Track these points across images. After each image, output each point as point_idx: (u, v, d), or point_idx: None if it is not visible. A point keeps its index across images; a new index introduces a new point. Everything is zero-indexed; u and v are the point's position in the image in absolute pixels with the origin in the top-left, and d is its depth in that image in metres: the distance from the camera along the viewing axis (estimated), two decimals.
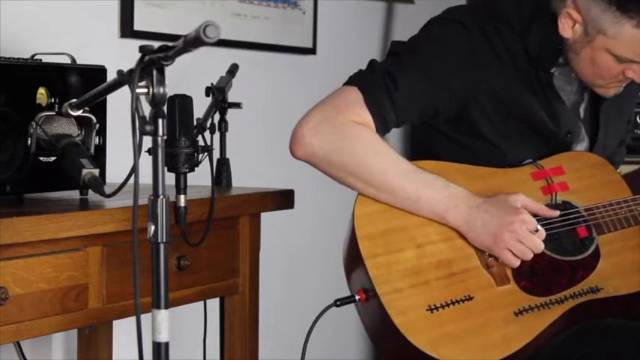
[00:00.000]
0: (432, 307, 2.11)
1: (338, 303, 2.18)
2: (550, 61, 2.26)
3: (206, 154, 2.15)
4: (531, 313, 2.14)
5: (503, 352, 2.09)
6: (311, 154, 2.20)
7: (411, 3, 3.95)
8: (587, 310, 2.18)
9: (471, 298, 2.13)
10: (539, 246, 2.14)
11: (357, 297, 2.15)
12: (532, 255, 2.14)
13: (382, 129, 2.19)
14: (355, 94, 2.20)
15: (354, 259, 2.17)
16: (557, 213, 2.20)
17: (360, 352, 3.88)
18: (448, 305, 2.12)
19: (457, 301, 2.12)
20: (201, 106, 2.41)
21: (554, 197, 2.25)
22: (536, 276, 2.18)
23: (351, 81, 2.24)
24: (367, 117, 2.18)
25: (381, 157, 2.18)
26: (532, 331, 2.12)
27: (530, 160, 2.28)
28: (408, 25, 3.93)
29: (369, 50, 3.81)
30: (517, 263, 2.14)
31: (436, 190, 2.16)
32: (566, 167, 2.28)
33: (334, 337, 3.75)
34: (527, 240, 2.13)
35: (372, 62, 2.27)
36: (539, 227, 2.14)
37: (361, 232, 2.16)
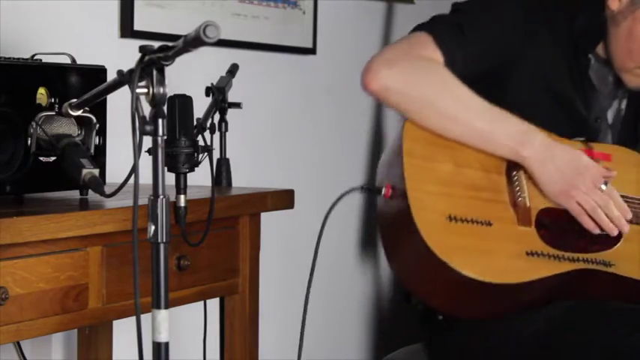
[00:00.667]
0: (453, 217, 2.15)
1: (364, 187, 2.27)
2: (591, 42, 2.29)
3: (206, 154, 2.15)
4: (542, 258, 2.18)
5: (503, 279, 2.13)
6: (386, 87, 2.21)
7: (411, 3, 3.95)
8: (595, 278, 2.21)
9: (490, 224, 2.18)
10: (606, 200, 2.20)
11: (383, 190, 2.21)
12: (603, 214, 2.19)
13: (450, 66, 2.24)
14: (425, 37, 2.25)
15: (393, 156, 2.23)
16: (615, 173, 2.24)
17: (360, 352, 3.88)
18: (467, 221, 2.16)
19: (476, 221, 2.17)
20: (201, 106, 2.41)
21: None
22: (557, 230, 2.22)
23: (418, 28, 2.29)
24: (438, 55, 2.23)
25: (457, 89, 2.21)
26: (539, 272, 2.16)
27: (582, 139, 2.29)
28: (408, 25, 3.90)
29: (369, 50, 3.78)
30: (584, 216, 2.20)
31: (512, 123, 2.20)
32: (614, 157, 2.30)
33: (334, 337, 3.75)
34: (596, 194, 2.18)
35: (435, 16, 2.32)
36: (603, 186, 2.20)
37: (409, 134, 2.21)
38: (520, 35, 2.28)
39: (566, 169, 2.19)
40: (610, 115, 2.39)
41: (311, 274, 2.28)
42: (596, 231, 2.22)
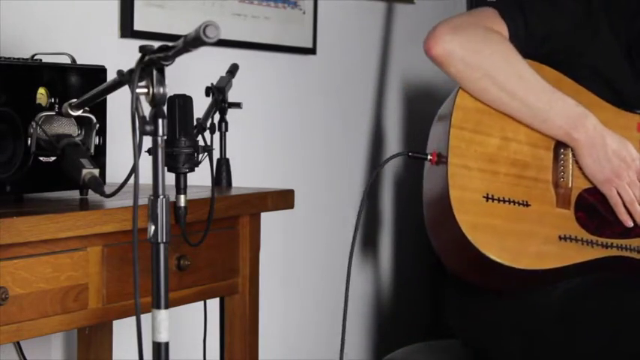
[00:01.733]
0: (490, 196, 2.18)
1: (410, 154, 2.27)
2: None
3: (206, 154, 2.15)
4: (574, 243, 2.19)
5: (531, 264, 2.15)
6: (449, 52, 2.22)
7: (411, 3, 3.95)
8: (625, 265, 2.21)
9: (527, 205, 2.19)
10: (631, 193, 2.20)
11: (429, 156, 2.23)
12: (638, 206, 2.20)
13: (514, 40, 2.25)
14: (492, 11, 2.27)
15: (442, 123, 2.25)
16: None
17: (360, 352, 3.88)
18: (504, 202, 2.18)
19: (514, 202, 2.19)
20: (201, 106, 2.41)
21: None
22: (595, 213, 2.22)
23: (485, 3, 2.32)
24: (504, 29, 2.25)
25: (519, 64, 2.23)
26: (566, 259, 2.17)
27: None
28: (408, 25, 3.93)
29: (369, 50, 3.81)
30: (620, 207, 2.21)
31: (568, 105, 2.21)
32: None
33: (334, 337, 3.75)
34: (636, 188, 2.19)
35: None
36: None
37: (460, 102, 2.23)
38: (581, 29, 2.29)
39: (614, 158, 2.20)
40: None
41: (351, 253, 2.32)
42: (629, 223, 2.23)
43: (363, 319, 3.80)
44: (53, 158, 2.06)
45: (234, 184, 2.66)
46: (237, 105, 2.62)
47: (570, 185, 2.23)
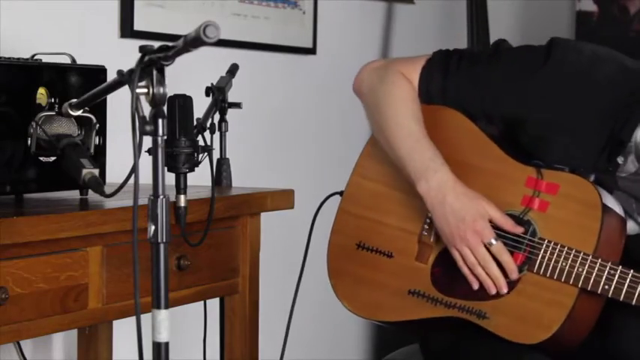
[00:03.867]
0: (362, 245, 2.29)
1: (342, 193, 2.37)
2: (616, 149, 2.17)
3: (206, 154, 2.15)
4: (420, 299, 2.20)
5: (370, 315, 2.26)
6: (358, 87, 2.37)
7: (411, 3, 3.95)
8: (461, 327, 2.16)
9: (391, 256, 2.25)
10: (487, 260, 2.12)
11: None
12: (482, 271, 2.13)
13: (423, 98, 2.27)
14: (423, 59, 2.30)
15: (353, 167, 2.37)
16: (521, 230, 2.15)
17: (360, 352, 3.88)
18: (373, 251, 2.27)
19: (380, 252, 2.26)
20: (201, 106, 2.41)
21: (525, 212, 2.17)
22: (450, 271, 2.18)
23: (436, 52, 2.33)
24: (415, 77, 2.28)
25: (402, 109, 2.25)
26: (405, 314, 2.21)
27: (538, 164, 2.19)
28: (408, 25, 3.93)
29: (369, 50, 3.81)
30: (464, 268, 2.15)
31: (423, 157, 2.18)
32: (562, 190, 2.16)
33: (334, 337, 3.75)
34: (477, 251, 2.13)
35: (453, 50, 2.33)
36: (493, 241, 2.13)
37: (367, 150, 2.35)
38: (519, 91, 2.21)
39: (451, 218, 2.13)
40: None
41: (299, 278, 2.47)
42: (474, 286, 2.15)
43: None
44: (53, 158, 2.06)
45: (234, 184, 2.66)
46: (237, 105, 2.62)
47: (432, 240, 2.21)
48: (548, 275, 2.12)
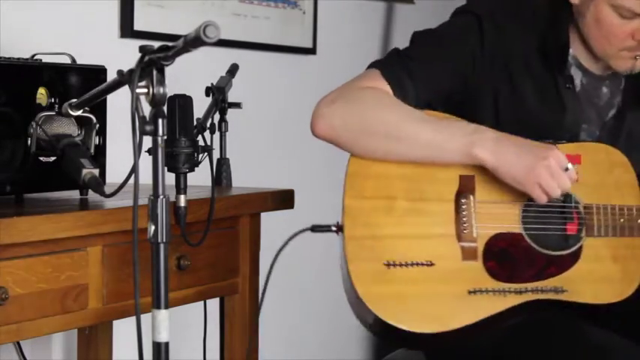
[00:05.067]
0: (391, 262, 2.10)
1: (315, 228, 2.21)
2: (563, 59, 2.25)
3: (206, 154, 2.15)
4: (485, 295, 2.12)
5: (439, 327, 2.09)
6: (330, 126, 2.16)
7: (411, 3, 3.95)
8: (542, 309, 2.15)
9: (431, 265, 2.12)
10: (568, 185, 2.12)
11: (333, 227, 2.18)
12: (560, 193, 2.12)
13: (400, 95, 2.18)
14: (373, 71, 2.21)
15: (342, 192, 2.17)
16: (575, 177, 2.15)
17: (360, 352, 3.88)
18: (407, 265, 2.11)
19: (417, 264, 2.12)
20: (201, 106, 2.41)
21: None
22: (506, 259, 2.15)
23: (371, 64, 2.26)
24: (384, 84, 2.18)
25: (395, 109, 2.16)
26: (478, 314, 2.11)
27: (551, 141, 2.21)
28: (408, 25, 3.92)
29: (369, 50, 3.81)
30: (545, 199, 2.12)
31: (458, 128, 2.14)
32: (585, 158, 2.21)
33: (334, 337, 3.75)
34: (559, 177, 2.11)
35: (390, 51, 2.29)
36: (569, 166, 2.12)
37: (352, 170, 2.17)
38: (476, 64, 2.23)
39: (528, 158, 2.10)
40: (609, 116, 2.34)
41: (262, 295, 2.24)
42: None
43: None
44: (53, 158, 2.06)
45: (234, 184, 2.66)
46: (237, 105, 2.62)
47: (475, 235, 2.15)
48: (609, 235, 2.18)
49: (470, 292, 2.12)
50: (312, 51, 3.52)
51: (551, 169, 2.10)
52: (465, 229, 2.15)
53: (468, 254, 2.15)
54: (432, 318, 2.09)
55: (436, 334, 2.09)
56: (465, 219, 2.16)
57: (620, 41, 2.19)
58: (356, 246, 2.11)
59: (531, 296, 2.14)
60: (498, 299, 2.13)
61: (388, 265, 2.11)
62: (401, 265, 2.11)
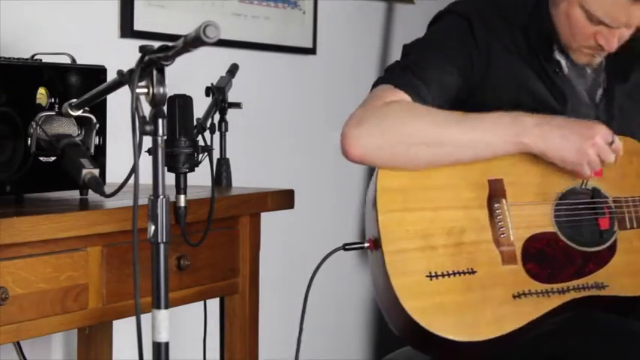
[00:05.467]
0: (433, 274, 2.11)
1: (346, 247, 2.21)
2: (548, 45, 2.27)
3: (206, 154, 2.15)
4: (530, 298, 2.14)
5: (493, 332, 2.10)
6: (363, 148, 2.15)
7: (411, 3, 3.95)
8: (586, 305, 2.17)
9: (473, 272, 2.13)
10: (612, 159, 2.16)
11: (366, 244, 2.17)
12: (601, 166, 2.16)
13: (420, 101, 2.19)
14: (386, 87, 2.22)
15: (370, 207, 2.17)
16: (621, 147, 2.18)
17: (360, 352, 3.88)
18: (449, 275, 2.12)
19: (459, 273, 2.12)
20: (201, 106, 2.41)
21: (584, 182, 2.23)
22: (544, 260, 2.17)
23: (376, 83, 2.27)
24: (403, 95, 2.19)
25: (429, 116, 2.16)
26: (526, 317, 2.12)
27: None
28: (408, 25, 3.93)
29: (369, 50, 3.81)
30: (591, 174, 2.16)
31: (496, 120, 2.16)
32: None
33: (334, 337, 3.75)
34: (606, 153, 2.15)
35: (387, 67, 2.30)
36: (615, 139, 2.16)
37: (382, 183, 2.16)
38: (473, 58, 2.25)
39: (575, 137, 2.14)
40: (598, 96, 2.34)
41: (302, 319, 2.26)
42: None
43: (363, 318, 3.80)
44: (53, 158, 2.06)
45: (234, 184, 2.66)
46: (237, 105, 2.62)
47: (512, 239, 2.16)
48: None
49: (514, 297, 2.14)
50: (312, 51, 3.52)
51: (598, 146, 2.14)
52: (502, 234, 2.17)
53: (508, 258, 2.16)
54: (482, 325, 2.10)
55: (487, 340, 2.10)
56: (500, 223, 2.17)
57: (584, 39, 2.23)
58: (396, 261, 2.11)
59: (574, 294, 2.16)
60: (543, 300, 2.14)
61: (430, 276, 2.11)
62: (443, 275, 2.12)
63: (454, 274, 2.12)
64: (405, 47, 2.33)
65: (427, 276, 2.11)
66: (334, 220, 3.65)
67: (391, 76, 2.24)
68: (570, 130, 2.15)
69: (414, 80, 2.21)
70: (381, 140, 2.15)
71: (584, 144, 2.13)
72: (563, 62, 2.30)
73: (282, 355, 3.37)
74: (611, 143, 2.15)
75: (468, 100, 2.26)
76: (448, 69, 2.24)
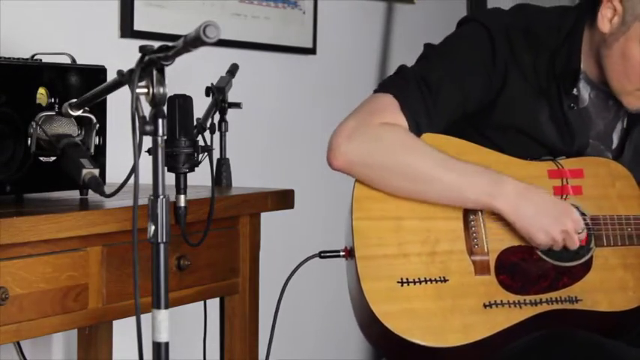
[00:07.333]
0: (405, 280, 2.12)
1: (322, 255, 2.23)
2: (571, 80, 2.24)
3: (206, 154, 2.15)
4: (501, 308, 2.14)
5: (460, 340, 2.10)
6: (348, 162, 2.18)
7: (411, 3, 3.95)
8: (558, 319, 2.16)
9: (445, 280, 2.14)
10: (576, 246, 2.17)
11: (342, 252, 2.20)
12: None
13: (416, 132, 2.19)
14: (390, 100, 2.20)
15: (348, 215, 2.19)
16: (584, 238, 2.19)
17: (360, 351, 3.88)
18: (421, 282, 2.13)
19: (431, 280, 2.14)
20: (201, 106, 2.41)
21: (563, 199, 2.23)
22: (518, 272, 2.17)
23: (384, 88, 2.24)
24: (401, 120, 2.18)
25: (417, 151, 2.16)
26: (495, 326, 2.12)
27: (550, 158, 2.25)
28: (408, 25, 3.93)
29: (369, 50, 3.81)
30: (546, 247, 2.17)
31: (480, 176, 2.15)
32: (587, 172, 2.25)
33: (334, 337, 3.75)
34: (570, 240, 2.16)
35: (402, 68, 2.27)
36: (584, 229, 2.17)
37: (358, 193, 2.19)
38: (488, 81, 2.23)
39: (548, 215, 2.14)
40: (615, 138, 2.33)
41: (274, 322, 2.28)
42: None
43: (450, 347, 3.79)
44: (53, 158, 2.06)
45: (234, 184, 2.66)
46: (237, 105, 2.63)
47: (486, 250, 2.17)
48: (619, 244, 2.22)
49: (485, 306, 2.14)
50: (312, 51, 3.52)
51: (567, 233, 2.15)
52: (476, 244, 2.17)
53: (481, 268, 2.16)
54: (451, 332, 2.10)
55: (455, 347, 2.10)
56: (475, 234, 2.18)
57: None
58: (368, 266, 2.12)
59: (547, 307, 2.15)
60: (514, 311, 2.14)
61: (402, 282, 2.12)
62: (415, 282, 2.13)
63: (426, 281, 2.13)
64: (426, 47, 2.30)
65: (398, 282, 2.12)
66: (334, 220, 3.64)
67: (402, 90, 2.21)
68: (545, 211, 2.15)
69: (420, 107, 2.19)
70: (368, 161, 2.17)
71: (554, 228, 2.14)
72: (586, 93, 2.27)
73: (282, 355, 3.37)
74: (580, 232, 2.16)
75: (476, 113, 2.26)
76: (461, 91, 2.22)
